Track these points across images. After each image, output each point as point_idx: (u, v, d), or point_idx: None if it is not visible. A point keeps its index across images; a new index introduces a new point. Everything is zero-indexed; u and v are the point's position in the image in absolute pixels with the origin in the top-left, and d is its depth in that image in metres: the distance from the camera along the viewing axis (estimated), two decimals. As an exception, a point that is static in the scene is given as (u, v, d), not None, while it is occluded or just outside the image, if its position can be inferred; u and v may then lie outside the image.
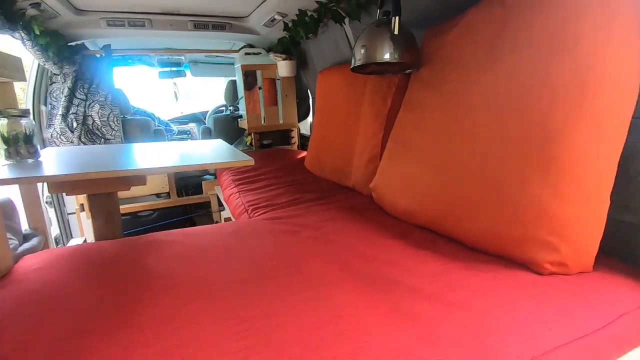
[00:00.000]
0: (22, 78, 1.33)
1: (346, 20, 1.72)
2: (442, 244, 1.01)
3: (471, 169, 0.95)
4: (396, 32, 1.18)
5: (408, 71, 1.36)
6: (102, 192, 1.26)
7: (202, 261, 0.99)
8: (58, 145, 2.50)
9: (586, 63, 0.76)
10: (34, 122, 1.19)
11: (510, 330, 0.63)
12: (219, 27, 2.41)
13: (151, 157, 1.40)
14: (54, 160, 1.22)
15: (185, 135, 3.67)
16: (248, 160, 1.21)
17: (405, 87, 1.38)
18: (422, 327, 0.65)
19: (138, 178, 1.31)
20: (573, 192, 0.76)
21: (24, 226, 1.39)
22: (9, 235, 1.25)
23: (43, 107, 2.54)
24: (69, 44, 2.47)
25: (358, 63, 1.27)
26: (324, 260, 0.95)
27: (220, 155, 1.38)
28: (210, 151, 1.50)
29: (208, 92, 5.04)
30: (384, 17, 1.25)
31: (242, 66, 2.54)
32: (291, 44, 2.38)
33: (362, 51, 1.25)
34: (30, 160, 1.17)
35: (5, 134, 1.14)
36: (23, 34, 1.78)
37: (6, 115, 1.13)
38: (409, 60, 1.24)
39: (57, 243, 2.38)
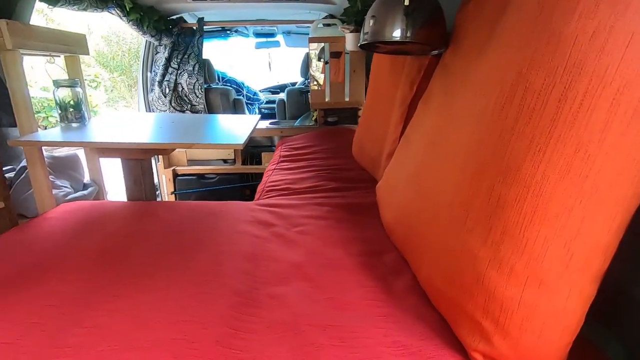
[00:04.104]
0: (86, 52, 1.55)
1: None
2: (403, 279, 0.81)
3: (439, 188, 0.71)
4: (406, 2, 0.93)
5: (434, 52, 1.08)
6: (130, 157, 1.41)
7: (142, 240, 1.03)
8: (157, 108, 2.92)
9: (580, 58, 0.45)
10: (81, 91, 1.39)
11: None
12: (297, -4, 2.37)
13: (170, 132, 1.48)
14: (98, 127, 1.41)
15: (272, 104, 3.85)
16: (236, 145, 1.18)
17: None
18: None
19: (160, 150, 1.43)
20: (521, 265, 0.49)
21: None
22: (64, 184, 1.53)
23: (149, 74, 2.96)
24: (169, 17, 2.79)
25: (363, 41, 1.06)
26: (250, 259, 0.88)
27: (221, 135, 1.38)
28: (224, 129, 1.51)
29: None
30: (402, -17, 1.00)
31: (310, 38, 2.45)
32: (359, 13, 2.17)
33: (371, 24, 1.04)
34: (74, 125, 1.38)
35: (59, 101, 1.36)
36: (118, 11, 2.08)
37: (58, 85, 1.34)
38: (427, 39, 0.98)
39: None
